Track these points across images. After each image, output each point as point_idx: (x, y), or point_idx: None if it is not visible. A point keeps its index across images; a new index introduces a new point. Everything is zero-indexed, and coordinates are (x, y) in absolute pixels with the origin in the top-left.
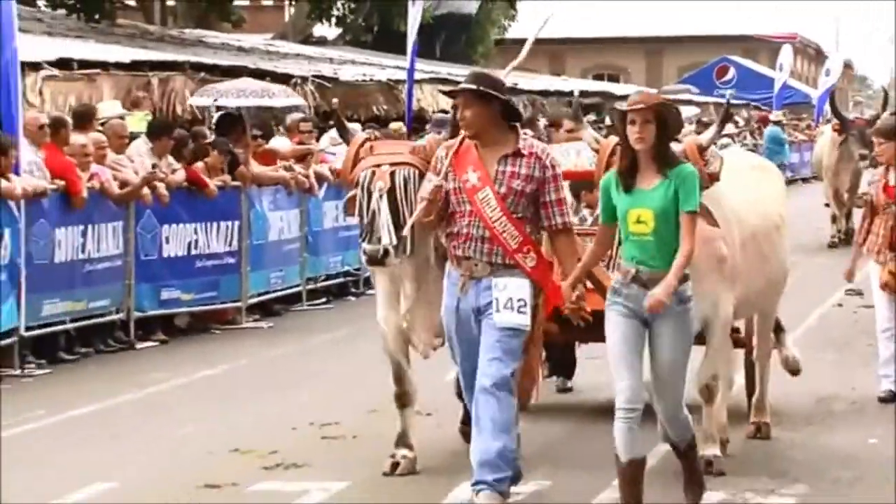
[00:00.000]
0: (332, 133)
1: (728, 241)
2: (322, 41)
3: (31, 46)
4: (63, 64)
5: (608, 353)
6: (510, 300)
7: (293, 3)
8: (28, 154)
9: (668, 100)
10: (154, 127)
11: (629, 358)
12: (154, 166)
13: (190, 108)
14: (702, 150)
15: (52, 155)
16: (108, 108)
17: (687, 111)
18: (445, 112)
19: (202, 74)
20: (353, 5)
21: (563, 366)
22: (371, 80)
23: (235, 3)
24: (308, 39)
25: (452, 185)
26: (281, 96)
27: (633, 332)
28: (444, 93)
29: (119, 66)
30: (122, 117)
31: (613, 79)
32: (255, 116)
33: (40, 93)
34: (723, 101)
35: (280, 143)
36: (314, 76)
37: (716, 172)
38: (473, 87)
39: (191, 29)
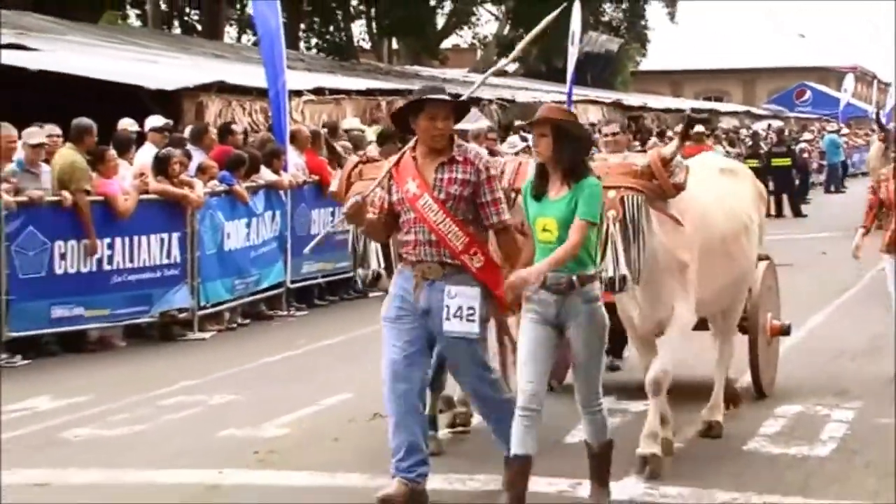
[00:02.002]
0: (510, 139)
1: (690, 246)
2: (504, 73)
3: (296, 79)
4: (318, 91)
5: (518, 355)
6: (459, 308)
7: (483, 46)
8: (293, 157)
9: (566, 114)
10: (381, 136)
11: (534, 362)
12: None
13: None
14: (665, 161)
15: (310, 157)
16: (350, 123)
17: (774, 124)
18: (593, 125)
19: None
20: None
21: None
22: (539, 101)
23: (441, 46)
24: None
25: (396, 197)
26: (473, 121)
27: (543, 337)
28: (413, 105)
29: (358, 92)
30: (361, 130)
31: (718, 100)
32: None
33: (301, 112)
34: (802, 115)
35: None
36: (497, 99)
37: (680, 183)
38: (450, 98)
39: (409, 65)
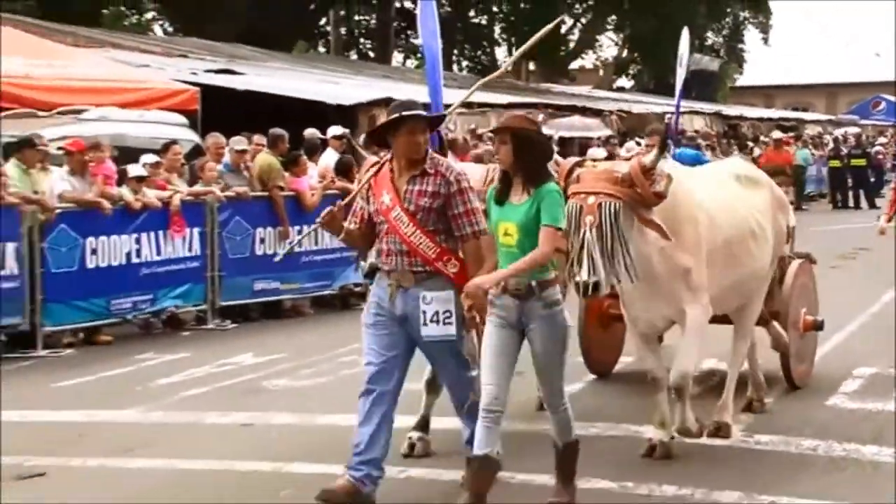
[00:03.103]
0: (627, 145)
1: (695, 251)
2: (621, 89)
3: (449, 95)
4: (467, 105)
5: (482, 358)
6: (436, 313)
7: (604, 67)
8: (450, 160)
9: (528, 122)
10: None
11: (497, 365)
12: None
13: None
14: (646, 169)
15: (462, 160)
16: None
17: (852, 130)
18: (697, 132)
19: (550, 110)
20: (639, 68)
21: None
22: (652, 112)
23: (570, 67)
24: (612, 88)
25: (373, 207)
26: (596, 130)
27: (505, 340)
28: (392, 121)
29: (499, 105)
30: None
31: (804, 110)
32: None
33: (454, 122)
34: (878, 123)
35: (596, 152)
36: (617, 110)
37: (661, 191)
38: (425, 114)
39: (543, 83)
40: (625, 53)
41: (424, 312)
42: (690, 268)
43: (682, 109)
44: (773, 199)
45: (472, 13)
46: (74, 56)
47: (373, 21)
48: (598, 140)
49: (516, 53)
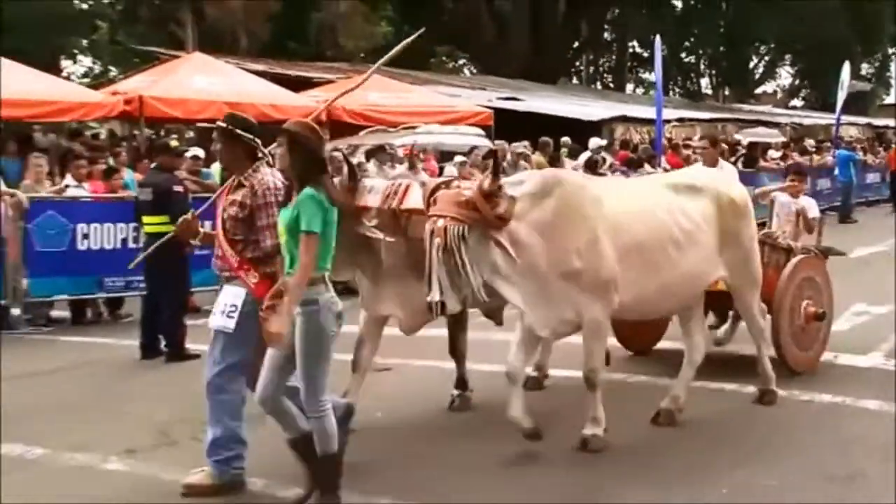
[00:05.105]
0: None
1: (589, 253)
2: (794, 107)
3: (667, 113)
4: (680, 120)
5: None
6: (224, 305)
7: (781, 91)
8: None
9: (307, 129)
10: (708, 138)
11: (270, 360)
12: None
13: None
14: (485, 194)
15: (670, 158)
16: (696, 141)
17: None
18: (851, 136)
19: (739, 124)
20: (808, 91)
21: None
22: (817, 124)
23: (756, 91)
24: (787, 106)
25: None
26: (775, 137)
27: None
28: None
29: (701, 120)
30: (703, 145)
31: None
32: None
33: (670, 133)
34: None
35: (773, 154)
36: (791, 123)
37: (502, 213)
38: (224, 125)
39: (735, 103)
40: (797, 81)
41: (218, 303)
42: (580, 269)
43: (840, 122)
44: (718, 207)
45: (683, 54)
46: (411, 91)
47: (613, 61)
48: (776, 145)
49: (378, 63)
